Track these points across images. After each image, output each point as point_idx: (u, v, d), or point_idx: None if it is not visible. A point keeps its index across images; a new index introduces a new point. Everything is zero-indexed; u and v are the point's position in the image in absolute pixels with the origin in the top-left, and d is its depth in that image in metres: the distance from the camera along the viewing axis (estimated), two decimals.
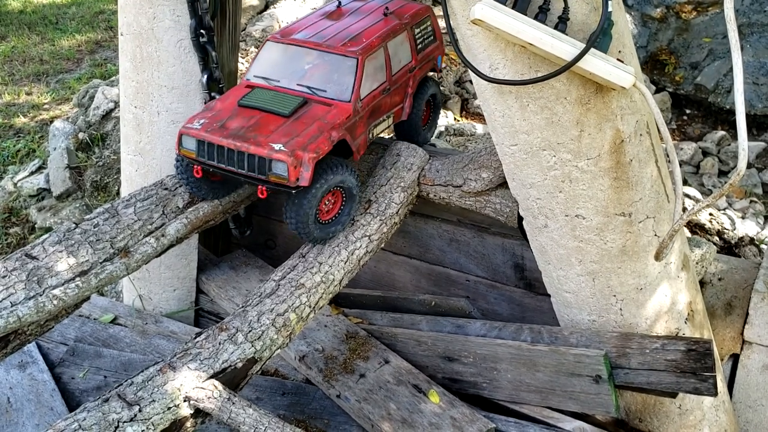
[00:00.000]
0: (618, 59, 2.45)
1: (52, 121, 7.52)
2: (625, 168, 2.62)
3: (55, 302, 2.46)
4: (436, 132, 4.95)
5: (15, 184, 6.61)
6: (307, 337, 3.22)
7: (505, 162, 2.78)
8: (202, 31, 3.20)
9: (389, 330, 3.21)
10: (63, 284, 2.52)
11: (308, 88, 2.86)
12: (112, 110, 6.70)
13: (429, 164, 3.11)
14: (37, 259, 2.56)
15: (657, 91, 7.31)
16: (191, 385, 2.30)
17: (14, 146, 7.26)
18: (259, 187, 2.66)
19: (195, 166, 2.76)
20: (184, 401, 2.28)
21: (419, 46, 3.24)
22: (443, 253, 3.62)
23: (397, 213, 3.01)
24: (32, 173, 6.69)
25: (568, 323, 2.96)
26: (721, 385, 3.05)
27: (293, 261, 2.78)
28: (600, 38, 2.38)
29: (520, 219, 2.93)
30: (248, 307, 2.58)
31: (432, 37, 3.35)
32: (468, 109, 7.00)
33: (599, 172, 2.61)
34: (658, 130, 2.57)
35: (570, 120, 2.53)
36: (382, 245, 2.99)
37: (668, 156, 2.55)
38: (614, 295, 2.78)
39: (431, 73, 3.44)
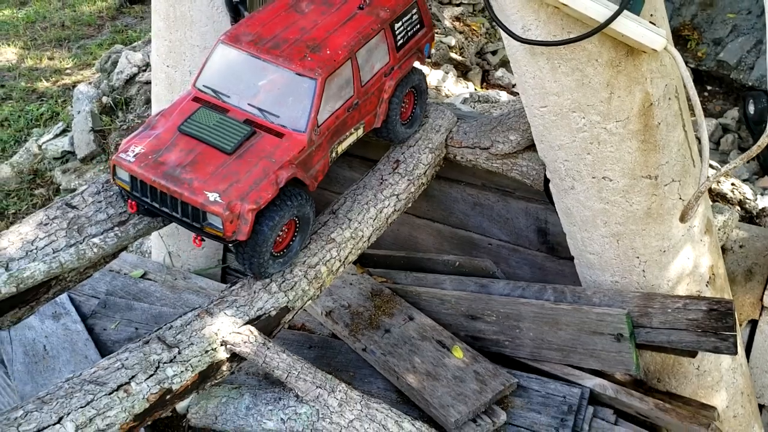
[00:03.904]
0: (650, 22, 2.48)
1: (74, 86, 7.60)
2: (653, 131, 2.66)
3: (95, 250, 2.54)
4: (461, 98, 4.98)
5: (39, 147, 6.70)
6: (333, 294, 3.29)
7: (533, 124, 2.82)
8: None
9: (413, 289, 3.28)
10: (102, 233, 2.60)
11: (260, 110, 2.54)
12: (135, 75, 6.76)
13: (457, 126, 3.16)
14: (77, 209, 2.64)
15: None
16: (228, 330, 2.38)
17: (37, 110, 7.35)
18: (193, 236, 2.45)
19: (129, 200, 2.52)
20: (221, 345, 2.37)
21: (401, 41, 2.85)
22: (467, 217, 3.68)
23: (424, 174, 3.06)
24: (56, 136, 6.77)
25: (591, 285, 3.02)
26: (740, 349, 3.11)
27: (324, 217, 2.85)
28: (633, 0, 2.42)
29: (546, 181, 2.98)
30: None
31: (418, 26, 2.95)
32: (489, 81, 7.02)
33: (627, 135, 2.65)
34: (687, 94, 2.61)
35: (600, 82, 2.57)
36: (410, 204, 3.06)
37: (696, 120, 2.59)
38: (637, 257, 2.84)
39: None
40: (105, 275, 3.69)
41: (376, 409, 2.41)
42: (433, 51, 3.05)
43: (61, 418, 2.06)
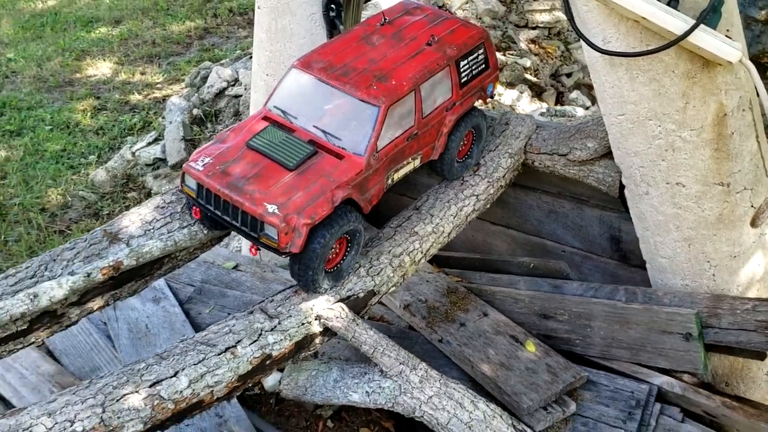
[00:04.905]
0: (726, 36, 2.63)
1: (164, 99, 8.10)
2: (727, 140, 2.80)
3: (205, 232, 2.82)
4: (538, 112, 5.15)
5: (133, 154, 7.15)
6: (410, 289, 3.50)
7: (611, 131, 2.99)
8: (332, 5, 3.53)
9: (488, 288, 3.45)
10: None
11: (323, 132, 2.66)
12: (224, 89, 7.17)
13: (536, 133, 3.34)
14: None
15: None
16: (322, 306, 2.61)
17: (130, 120, 7.85)
18: (250, 245, 2.58)
19: (194, 207, 2.66)
20: (315, 319, 2.60)
21: (464, 79, 2.94)
22: (541, 224, 3.84)
23: (503, 177, 3.25)
24: (149, 144, 7.22)
25: (662, 288, 3.14)
26: None
27: (408, 212, 3.07)
28: (710, 15, 2.57)
29: (621, 188, 3.13)
30: (369, 248, 2.88)
31: (483, 66, 3.03)
32: (563, 102, 7.17)
33: (701, 143, 2.79)
34: (761, 105, 2.74)
35: (676, 92, 2.73)
36: (488, 205, 3.24)
37: None
38: (708, 261, 2.95)
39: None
40: (200, 266, 3.99)
41: (454, 389, 2.60)
42: (496, 91, 3.12)
43: (176, 372, 2.32)
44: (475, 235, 4.12)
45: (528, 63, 7.56)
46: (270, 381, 3.20)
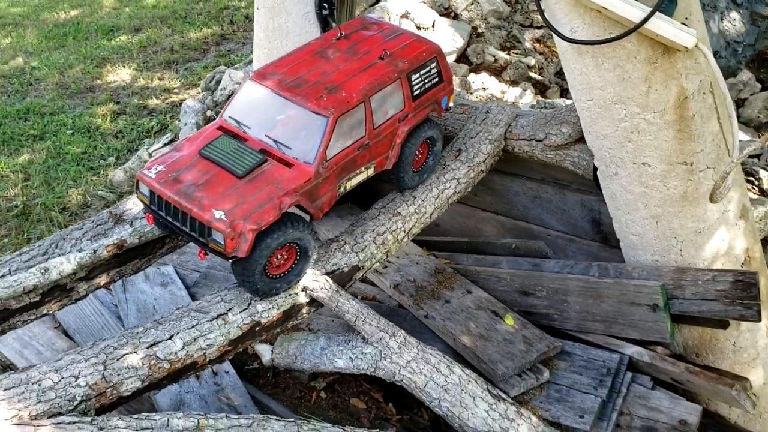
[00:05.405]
0: (683, 23, 2.81)
1: (181, 103, 8.39)
2: (688, 122, 2.97)
3: None
4: (528, 105, 5.33)
5: (150, 154, 7.43)
6: (400, 271, 3.70)
7: (582, 116, 3.17)
8: (325, 4, 3.75)
9: (473, 268, 3.65)
10: None
11: (275, 141, 2.74)
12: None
13: (516, 121, 3.54)
14: None
15: (762, 89, 7.40)
16: (308, 278, 2.83)
17: (148, 123, 8.15)
18: (199, 249, 2.63)
19: (147, 213, 2.74)
20: (302, 290, 2.82)
21: (417, 92, 3.03)
22: (527, 209, 4.03)
23: (483, 162, 3.45)
24: (165, 145, 7.49)
25: (635, 265, 3.32)
26: None
27: (392, 195, 3.28)
28: (666, 4, 2.76)
29: (595, 170, 3.32)
30: (355, 227, 3.09)
31: (437, 79, 3.12)
32: (567, 98, 7.32)
33: (664, 125, 2.97)
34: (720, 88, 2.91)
35: (639, 77, 2.91)
36: (469, 189, 3.44)
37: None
38: (675, 237, 3.13)
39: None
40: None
41: (431, 354, 2.80)
42: (451, 104, 3.22)
43: (172, 336, 2.55)
44: (467, 222, 4.32)
45: (532, 61, 7.74)
46: (267, 356, 3.42)
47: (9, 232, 6.44)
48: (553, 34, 3.00)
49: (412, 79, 3.00)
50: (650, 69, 2.90)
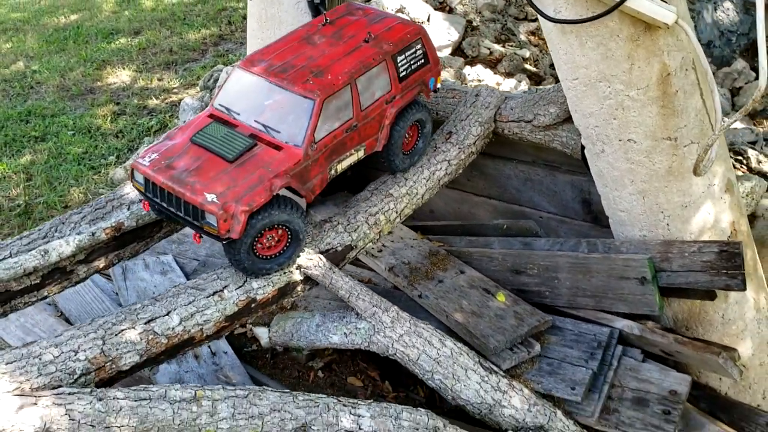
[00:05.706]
0: (662, 0, 2.88)
1: (180, 102, 8.47)
2: (671, 98, 3.03)
3: None
4: (521, 91, 5.39)
5: None
6: (396, 254, 3.77)
7: (568, 95, 3.24)
8: None
9: (466, 249, 3.71)
10: None
11: (264, 126, 2.80)
12: None
13: (505, 103, 3.60)
14: None
15: (756, 78, 7.45)
16: (302, 257, 2.90)
17: (148, 122, 8.23)
18: (194, 233, 2.72)
19: (143, 200, 2.84)
20: (297, 269, 2.88)
21: (403, 73, 3.08)
22: (519, 192, 4.09)
23: (473, 144, 3.52)
24: None
25: (623, 240, 3.38)
26: (765, 302, 3.37)
27: (384, 177, 3.34)
28: None
29: (582, 149, 3.38)
30: (347, 208, 3.16)
31: (423, 60, 3.16)
32: None
33: (648, 101, 3.03)
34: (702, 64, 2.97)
35: (622, 55, 2.97)
36: (460, 170, 3.51)
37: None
38: (662, 212, 3.19)
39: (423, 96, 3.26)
40: (205, 242, 4.27)
41: (423, 328, 2.87)
42: (439, 85, 3.28)
43: (169, 312, 2.62)
44: (461, 207, 4.38)
45: (527, 54, 7.80)
46: (265, 339, 3.49)
47: (12, 230, 6.53)
48: (538, 15, 3.07)
49: (398, 61, 3.06)
50: (633, 46, 2.96)
